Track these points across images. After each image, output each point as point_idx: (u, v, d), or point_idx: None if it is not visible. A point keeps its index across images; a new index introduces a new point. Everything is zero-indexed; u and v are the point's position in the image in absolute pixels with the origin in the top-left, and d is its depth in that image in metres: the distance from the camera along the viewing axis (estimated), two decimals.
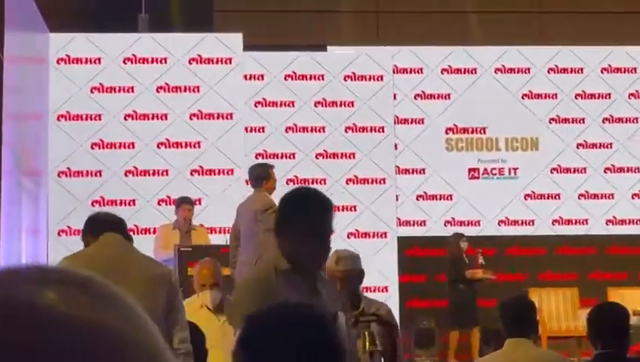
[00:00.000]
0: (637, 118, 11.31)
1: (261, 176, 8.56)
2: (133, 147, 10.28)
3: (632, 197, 11.60)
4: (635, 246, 10.70)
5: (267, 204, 8.34)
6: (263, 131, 10.62)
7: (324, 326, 2.36)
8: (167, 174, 10.29)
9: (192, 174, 10.34)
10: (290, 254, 3.16)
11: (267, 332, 2.23)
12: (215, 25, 11.25)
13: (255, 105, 10.63)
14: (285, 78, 10.73)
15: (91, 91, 10.32)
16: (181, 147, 10.42)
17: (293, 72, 10.73)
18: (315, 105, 11.10)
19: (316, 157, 11.04)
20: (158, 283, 4.24)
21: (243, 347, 2.17)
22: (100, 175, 10.10)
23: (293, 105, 10.76)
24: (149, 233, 9.46)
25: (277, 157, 10.57)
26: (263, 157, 10.49)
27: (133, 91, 10.38)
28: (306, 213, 3.34)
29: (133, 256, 4.38)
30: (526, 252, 10.78)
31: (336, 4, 11.55)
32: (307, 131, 11.10)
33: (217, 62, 10.55)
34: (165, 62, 10.46)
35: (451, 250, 10.56)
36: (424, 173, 11.58)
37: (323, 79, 11.19)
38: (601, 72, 11.70)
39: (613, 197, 11.10)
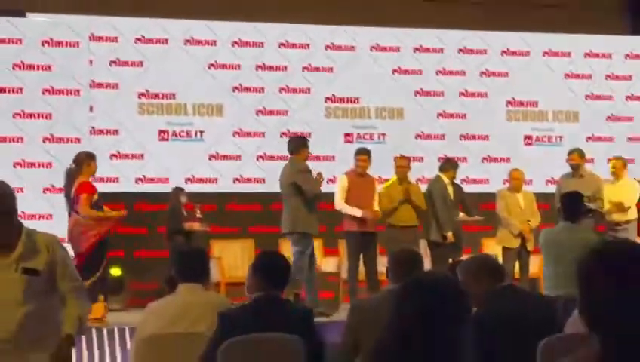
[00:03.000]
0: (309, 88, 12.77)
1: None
2: None
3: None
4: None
5: None
6: None
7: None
8: None
9: None
10: None
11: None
12: None
13: None
14: None
15: None
16: None
17: None
18: (14, 69, 11.52)
19: (13, 117, 11.48)
20: None
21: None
22: None
23: None
24: None
25: None
26: None
27: None
28: None
29: None
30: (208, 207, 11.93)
31: None
32: (4, 92, 11.58)
33: None
34: None
35: (171, 204, 11.20)
36: (117, 133, 12.19)
37: (21, 43, 11.60)
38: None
39: None
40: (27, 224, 4.83)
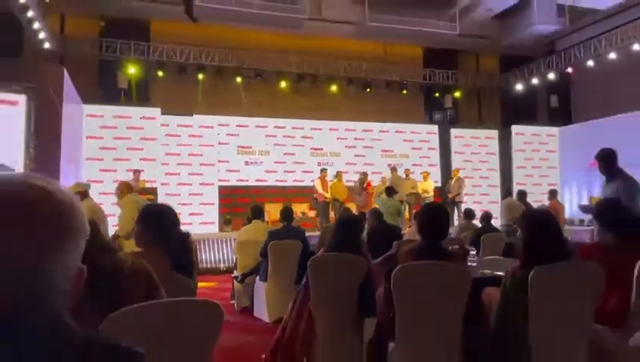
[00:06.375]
0: None
1: None
2: None
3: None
4: None
5: None
6: None
7: None
8: None
9: None
10: None
11: None
12: None
13: None
14: None
15: None
16: None
17: None
18: (187, 139, 19.68)
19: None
20: None
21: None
22: None
23: None
24: None
25: None
26: None
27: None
28: None
29: None
30: None
31: None
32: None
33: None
34: None
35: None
36: (229, 163, 19.43)
37: (191, 127, 19.19)
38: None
39: None
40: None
